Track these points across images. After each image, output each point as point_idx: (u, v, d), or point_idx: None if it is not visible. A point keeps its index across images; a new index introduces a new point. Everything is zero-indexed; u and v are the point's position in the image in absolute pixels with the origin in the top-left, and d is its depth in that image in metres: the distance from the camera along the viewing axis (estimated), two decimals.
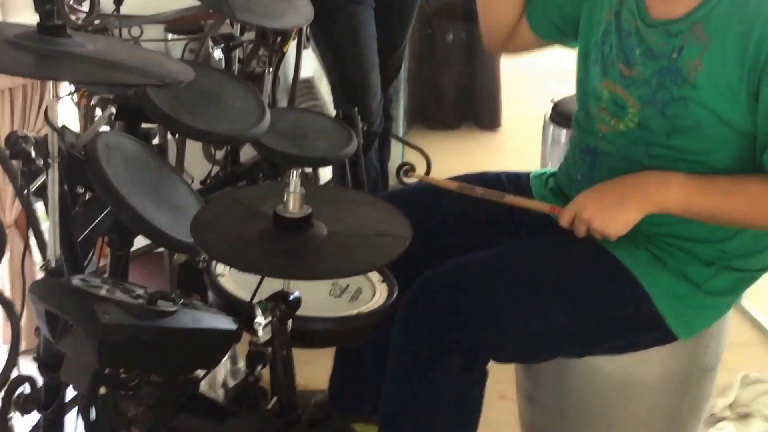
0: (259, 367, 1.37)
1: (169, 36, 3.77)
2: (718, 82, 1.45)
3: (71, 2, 2.27)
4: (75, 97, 2.35)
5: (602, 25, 1.65)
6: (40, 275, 1.54)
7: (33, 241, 2.00)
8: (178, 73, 1.39)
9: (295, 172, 1.26)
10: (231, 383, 2.03)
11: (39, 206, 1.88)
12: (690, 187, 1.48)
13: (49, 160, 1.42)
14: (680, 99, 1.48)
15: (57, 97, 1.41)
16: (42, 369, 1.56)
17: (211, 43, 2.19)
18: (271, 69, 2.48)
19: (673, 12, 1.51)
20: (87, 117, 1.97)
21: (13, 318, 1.83)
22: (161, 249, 2.42)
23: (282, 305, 1.28)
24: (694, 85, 1.47)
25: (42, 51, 1.28)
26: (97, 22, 2.17)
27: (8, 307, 1.79)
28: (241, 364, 1.39)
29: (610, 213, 1.50)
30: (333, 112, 2.87)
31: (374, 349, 1.79)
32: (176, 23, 3.11)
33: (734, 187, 1.49)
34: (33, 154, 1.43)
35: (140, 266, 2.24)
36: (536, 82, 5.13)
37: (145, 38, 3.17)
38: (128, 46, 1.87)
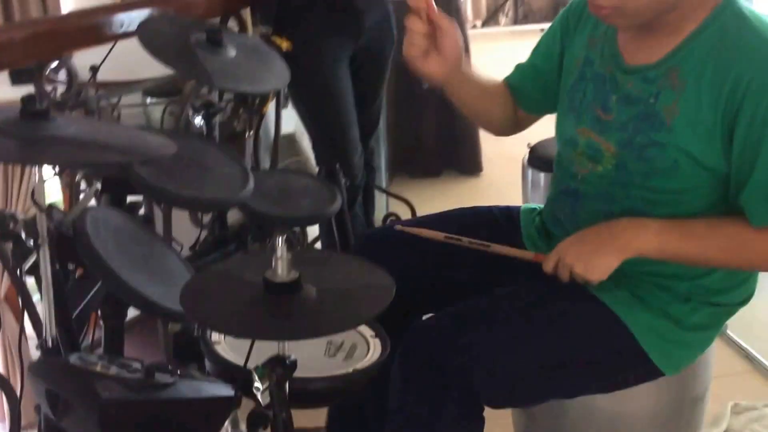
0: (261, 429, 1.38)
1: (148, 100, 3.81)
2: (695, 125, 1.47)
3: (47, 72, 2.30)
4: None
5: (575, 73, 1.69)
6: (33, 351, 1.55)
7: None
8: (160, 148, 1.42)
9: (280, 238, 1.29)
10: None
11: (29, 280, 1.90)
12: (666, 232, 1.52)
13: (39, 241, 1.44)
14: (657, 143, 1.51)
15: (42, 180, 1.43)
16: None
17: (191, 111, 2.22)
18: (252, 132, 2.52)
19: (648, 58, 1.54)
20: (72, 190, 2.00)
21: (13, 399, 1.83)
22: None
23: (279, 369, 1.29)
24: (671, 129, 1.49)
25: (26, 137, 1.31)
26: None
27: (7, 387, 1.80)
28: (243, 427, 1.40)
29: (590, 259, 1.54)
30: (316, 167, 2.91)
31: (372, 399, 1.81)
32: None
33: (709, 231, 1.53)
34: (23, 235, 1.45)
35: (135, 335, 2.25)
36: None
37: (123, 103, 3.21)
38: (109, 124, 1.90)
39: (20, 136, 1.31)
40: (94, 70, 2.58)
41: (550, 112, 1.83)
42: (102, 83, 2.91)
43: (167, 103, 3.71)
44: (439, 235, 1.72)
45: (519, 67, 1.87)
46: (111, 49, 2.40)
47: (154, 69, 2.56)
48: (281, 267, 1.26)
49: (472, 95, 1.80)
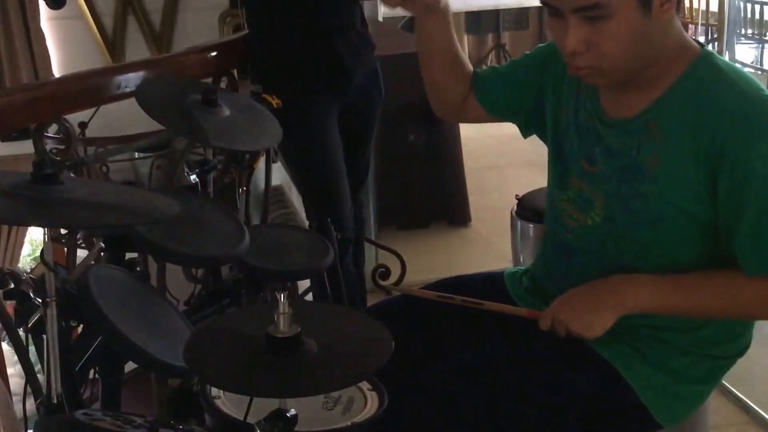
0: None
1: (136, 154, 3.85)
2: (677, 176, 1.51)
3: None
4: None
5: (563, 122, 1.72)
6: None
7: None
8: (165, 209, 1.46)
9: (282, 294, 1.33)
10: None
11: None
12: (659, 286, 1.55)
13: (48, 300, 1.47)
14: (642, 194, 1.54)
15: (51, 240, 1.47)
16: None
17: (186, 169, 2.26)
18: (244, 188, 2.57)
19: (628, 112, 1.58)
20: (72, 249, 2.04)
21: None
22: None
23: (279, 423, 1.32)
24: (654, 180, 1.52)
25: (37, 199, 1.35)
26: None
27: None
28: None
29: (585, 317, 1.57)
30: (305, 220, 2.95)
31: None
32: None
33: (701, 282, 1.56)
34: (31, 293, 1.48)
35: (128, 391, 2.26)
36: (500, 171, 5.26)
37: (112, 158, 3.25)
38: (115, 186, 1.94)
39: (32, 199, 1.34)
40: (83, 125, 2.64)
41: (498, 120, 1.87)
42: (90, 139, 2.97)
43: (155, 157, 3.76)
44: (431, 294, 1.76)
45: (493, 67, 1.90)
46: (98, 107, 2.46)
47: (140, 124, 2.62)
48: (283, 322, 1.30)
49: (441, 45, 1.82)
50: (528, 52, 1.86)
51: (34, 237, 3.67)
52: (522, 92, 1.82)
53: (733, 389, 2.98)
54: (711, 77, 1.52)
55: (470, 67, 1.89)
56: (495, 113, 1.87)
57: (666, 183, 1.52)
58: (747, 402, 2.96)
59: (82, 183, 1.46)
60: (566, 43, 1.49)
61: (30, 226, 2.09)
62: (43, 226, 1.48)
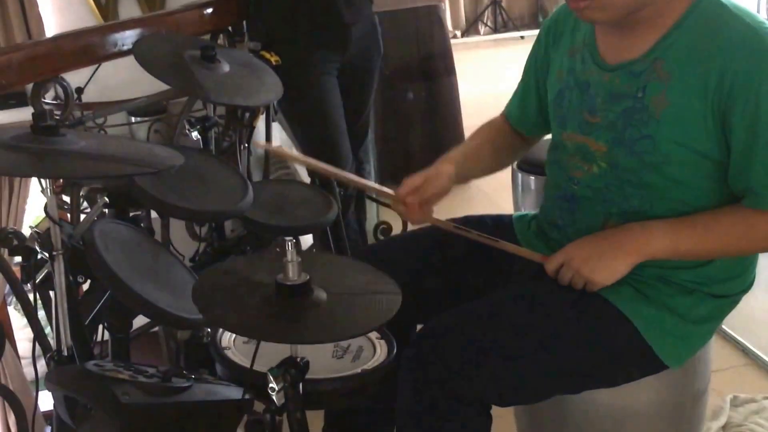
0: None
1: (132, 119, 3.85)
2: (684, 116, 1.50)
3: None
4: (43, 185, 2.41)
5: (558, 85, 1.73)
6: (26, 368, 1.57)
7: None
8: (168, 159, 1.46)
9: (290, 242, 1.33)
10: None
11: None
12: (673, 233, 1.55)
13: (54, 253, 1.47)
14: (648, 136, 1.53)
15: (54, 193, 1.47)
16: None
17: (187, 126, 2.26)
18: (245, 145, 2.56)
19: (631, 55, 1.57)
20: (75, 205, 2.03)
21: (20, 412, 1.85)
22: (156, 329, 2.46)
23: (292, 370, 1.33)
24: (660, 121, 1.51)
25: (39, 151, 1.34)
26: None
27: (14, 400, 1.82)
28: None
29: (600, 262, 1.56)
30: (305, 179, 2.94)
31: (368, 409, 1.84)
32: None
33: (712, 224, 1.55)
34: (37, 248, 1.48)
35: (137, 348, 2.28)
36: None
37: (108, 123, 3.24)
38: (117, 138, 1.94)
39: (34, 150, 1.34)
40: (79, 91, 2.63)
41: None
42: (86, 104, 2.96)
43: (152, 122, 3.76)
44: (449, 225, 1.76)
45: (514, 98, 1.93)
46: (95, 70, 2.45)
47: (136, 89, 2.62)
48: (291, 270, 1.30)
49: (482, 172, 1.92)
50: (528, 54, 1.89)
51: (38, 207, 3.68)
52: (543, 93, 1.85)
53: (732, 333, 3.03)
54: (715, 13, 1.50)
55: (502, 128, 1.96)
56: (548, 125, 1.89)
57: (673, 123, 1.51)
58: (746, 344, 3.00)
59: (84, 135, 1.45)
60: None
61: (31, 176, 2.08)
62: (45, 177, 1.47)
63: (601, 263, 1.57)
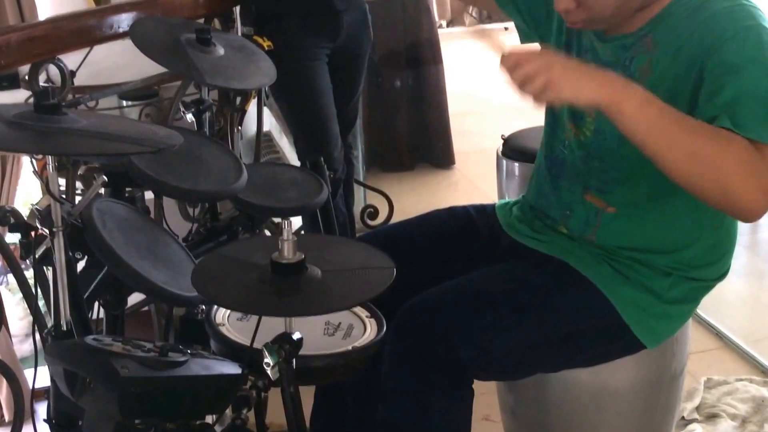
0: (245, 411, 1.47)
1: (124, 103, 3.87)
2: (667, 83, 1.54)
3: (25, 77, 2.35)
4: (36, 166, 2.43)
5: (566, 37, 1.76)
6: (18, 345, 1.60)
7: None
8: (168, 139, 1.49)
9: (286, 222, 1.37)
10: (218, 429, 2.11)
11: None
12: (653, 98, 1.42)
13: (54, 230, 1.51)
14: None
15: (56, 170, 1.50)
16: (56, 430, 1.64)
17: (182, 108, 2.29)
18: (238, 128, 2.60)
19: (627, 29, 1.62)
20: (71, 183, 2.07)
21: (16, 387, 1.89)
22: (147, 307, 2.50)
23: (286, 345, 1.38)
24: (645, 88, 1.47)
25: (41, 129, 1.38)
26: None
27: (13, 379, 1.85)
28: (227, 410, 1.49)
29: (575, 79, 1.42)
30: (295, 163, 2.99)
31: (354, 386, 1.90)
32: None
33: (695, 122, 1.42)
34: (38, 224, 1.52)
35: (128, 325, 2.31)
36: (482, 116, 5.32)
37: (100, 107, 3.26)
38: (117, 118, 1.97)
39: (36, 128, 1.37)
40: (72, 74, 2.65)
41: (505, 14, 1.90)
42: (78, 87, 2.98)
43: (143, 106, 3.78)
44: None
45: None
46: (88, 53, 2.47)
47: (127, 73, 2.64)
48: (287, 248, 1.35)
49: None
50: None
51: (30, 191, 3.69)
52: (537, 8, 1.83)
53: (706, 317, 3.11)
54: None
55: None
56: (504, 7, 1.89)
57: (657, 91, 1.46)
58: (720, 329, 3.09)
59: (85, 114, 1.48)
60: (558, 4, 1.58)
61: (32, 153, 2.10)
62: (45, 154, 1.50)
63: (579, 80, 1.42)
